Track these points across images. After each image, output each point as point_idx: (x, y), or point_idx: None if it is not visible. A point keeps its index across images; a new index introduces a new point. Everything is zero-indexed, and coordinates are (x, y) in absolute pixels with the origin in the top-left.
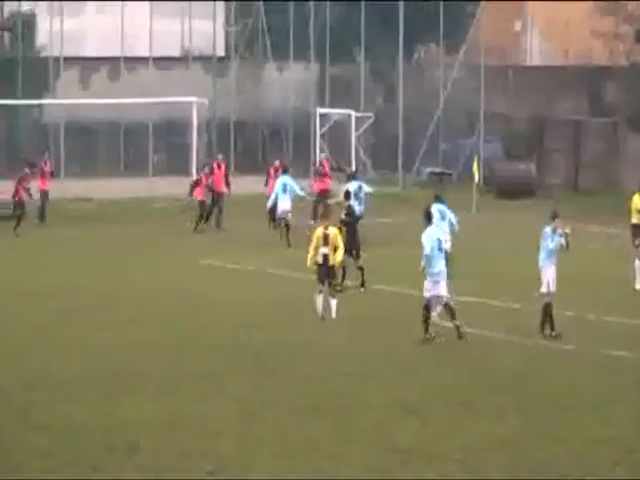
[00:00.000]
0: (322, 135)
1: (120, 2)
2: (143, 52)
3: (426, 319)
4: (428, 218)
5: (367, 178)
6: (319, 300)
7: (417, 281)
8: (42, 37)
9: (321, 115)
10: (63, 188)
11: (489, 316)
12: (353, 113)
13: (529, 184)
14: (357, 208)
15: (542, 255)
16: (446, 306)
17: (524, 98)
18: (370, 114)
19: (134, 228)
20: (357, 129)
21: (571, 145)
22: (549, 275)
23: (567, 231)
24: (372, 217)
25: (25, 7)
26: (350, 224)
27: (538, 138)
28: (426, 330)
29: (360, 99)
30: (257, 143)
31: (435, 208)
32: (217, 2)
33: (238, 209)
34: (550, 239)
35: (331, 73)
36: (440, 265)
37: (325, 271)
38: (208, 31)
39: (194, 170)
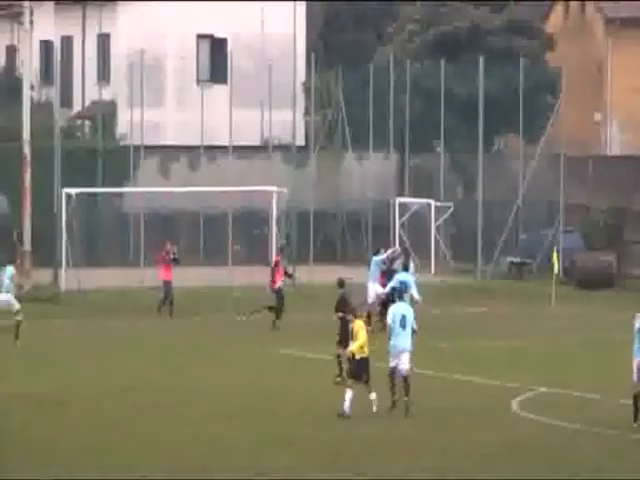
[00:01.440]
0: (402, 225)
1: (200, 91)
2: (223, 141)
3: (392, 386)
4: (399, 296)
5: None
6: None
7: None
8: (122, 126)
9: (400, 205)
10: (144, 277)
11: (569, 406)
12: (433, 203)
13: (609, 275)
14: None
15: (636, 346)
16: (405, 380)
17: (604, 189)
18: (450, 204)
19: (213, 317)
20: (437, 219)
21: None
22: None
23: None
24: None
25: (105, 96)
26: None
27: (618, 229)
28: (393, 394)
29: (440, 189)
30: (336, 233)
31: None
32: (297, 93)
33: (318, 299)
34: None
35: (411, 163)
36: (402, 341)
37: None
38: (288, 121)
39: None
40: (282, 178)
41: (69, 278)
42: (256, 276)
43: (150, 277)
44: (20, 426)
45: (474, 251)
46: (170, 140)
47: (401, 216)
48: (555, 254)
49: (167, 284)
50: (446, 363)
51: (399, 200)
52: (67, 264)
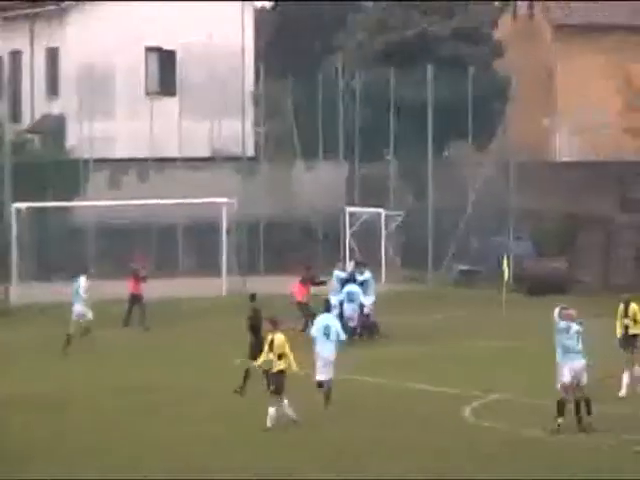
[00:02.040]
0: (352, 234)
1: (149, 103)
2: (173, 152)
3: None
4: (326, 309)
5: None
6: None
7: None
8: (72, 139)
9: (350, 214)
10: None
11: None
12: (383, 212)
13: (560, 281)
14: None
15: (562, 349)
16: (327, 392)
17: (555, 195)
18: (400, 212)
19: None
20: (387, 227)
21: (603, 242)
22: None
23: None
24: (404, 315)
25: (55, 110)
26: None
27: (570, 235)
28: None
29: (390, 197)
30: (287, 243)
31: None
32: (246, 103)
33: (270, 311)
34: (565, 333)
35: (361, 172)
36: (326, 350)
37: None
38: (238, 131)
39: (224, 270)
40: (232, 189)
41: (20, 292)
42: (206, 286)
43: (103, 289)
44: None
45: (425, 259)
46: (120, 152)
47: (352, 225)
48: (505, 261)
49: (136, 297)
50: (397, 370)
51: (349, 209)
52: (18, 278)
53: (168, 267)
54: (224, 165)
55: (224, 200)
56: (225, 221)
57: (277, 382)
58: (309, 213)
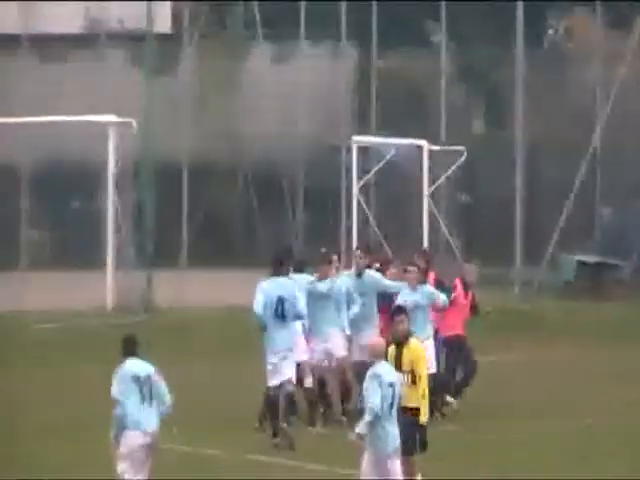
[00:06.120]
0: (361, 190)
1: None
2: (13, 28)
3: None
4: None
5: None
6: None
7: None
8: None
9: (361, 149)
10: None
11: None
12: (426, 145)
13: None
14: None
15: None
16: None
17: None
18: (460, 148)
19: None
20: (434, 177)
21: None
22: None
23: None
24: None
25: None
26: None
27: None
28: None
29: (440, 119)
30: (232, 205)
31: None
32: None
33: (193, 338)
34: None
35: (381, 67)
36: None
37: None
38: None
39: (110, 261)
40: (128, 98)
41: None
42: (73, 290)
43: None
44: None
45: (508, 243)
46: None
47: (363, 173)
48: None
49: None
50: None
51: (357, 139)
52: None
53: (1, 255)
54: (111, 50)
55: (111, 119)
56: (113, 162)
57: None
58: (278, 148)
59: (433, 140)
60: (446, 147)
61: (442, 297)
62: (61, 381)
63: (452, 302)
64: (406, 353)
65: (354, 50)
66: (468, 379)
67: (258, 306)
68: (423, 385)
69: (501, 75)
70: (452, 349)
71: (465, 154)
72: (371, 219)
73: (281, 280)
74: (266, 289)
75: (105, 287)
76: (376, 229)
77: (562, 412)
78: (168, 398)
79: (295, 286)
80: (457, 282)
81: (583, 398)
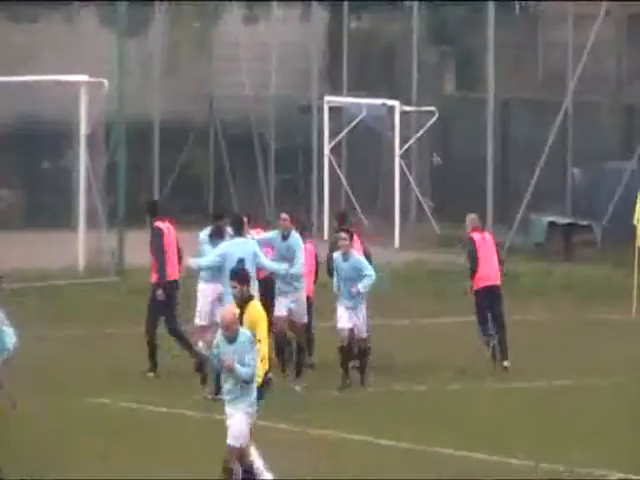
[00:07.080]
0: (333, 150)
1: None
2: None
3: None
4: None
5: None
6: None
7: None
8: None
9: (332, 110)
10: None
11: None
12: (397, 105)
13: None
14: None
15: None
16: None
17: None
18: (431, 108)
19: None
20: (405, 139)
21: None
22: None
23: None
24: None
25: None
26: None
27: None
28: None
29: (411, 79)
30: (204, 165)
31: None
32: None
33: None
34: None
35: (353, 28)
36: None
37: None
38: None
39: (82, 221)
40: (98, 57)
41: None
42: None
43: None
44: None
45: (479, 203)
46: None
47: (334, 133)
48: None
49: None
50: None
51: (329, 100)
52: None
53: None
54: (83, 10)
55: (83, 79)
56: (84, 122)
57: None
58: (249, 110)
59: (405, 101)
60: (418, 108)
61: (366, 279)
62: None
63: (478, 254)
64: (246, 316)
65: (325, 11)
66: (502, 337)
67: (207, 262)
68: (264, 348)
69: (473, 36)
70: (484, 300)
71: (437, 115)
72: (343, 179)
73: (238, 241)
74: (227, 251)
75: (76, 248)
76: (348, 189)
77: (539, 373)
78: (10, 344)
79: (255, 245)
80: (472, 235)
81: (560, 359)
